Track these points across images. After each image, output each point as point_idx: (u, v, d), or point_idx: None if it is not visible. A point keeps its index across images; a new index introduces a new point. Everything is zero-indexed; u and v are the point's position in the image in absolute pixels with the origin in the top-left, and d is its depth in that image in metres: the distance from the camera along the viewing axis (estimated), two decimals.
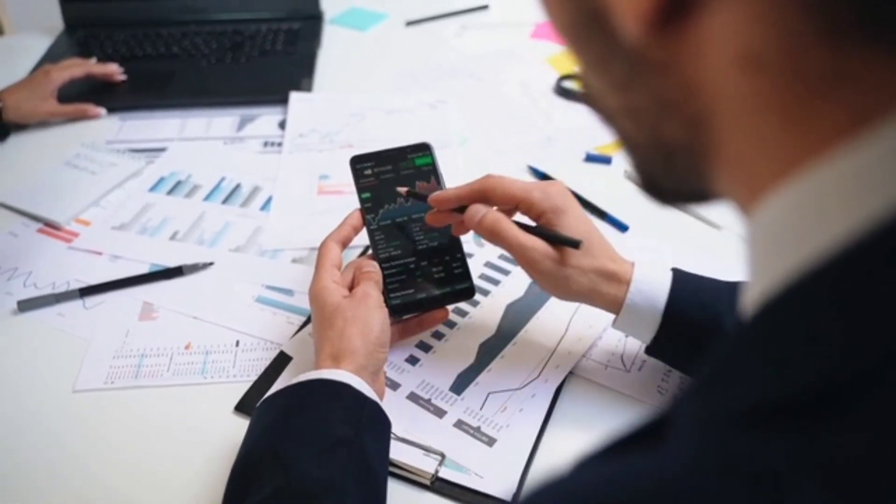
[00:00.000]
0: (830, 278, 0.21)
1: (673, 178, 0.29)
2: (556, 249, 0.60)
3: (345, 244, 0.68)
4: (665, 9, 0.22)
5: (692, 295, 0.59)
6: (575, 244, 0.59)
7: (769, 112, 0.22)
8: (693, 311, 0.59)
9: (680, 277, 0.60)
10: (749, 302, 0.25)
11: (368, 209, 0.70)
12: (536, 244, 0.59)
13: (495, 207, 0.63)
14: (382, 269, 0.67)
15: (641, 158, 0.30)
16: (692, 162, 0.27)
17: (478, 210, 0.62)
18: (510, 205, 0.63)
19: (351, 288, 0.65)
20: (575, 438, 0.62)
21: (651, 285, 0.59)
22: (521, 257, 0.60)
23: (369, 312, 0.61)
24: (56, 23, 1.27)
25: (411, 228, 0.69)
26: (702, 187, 0.28)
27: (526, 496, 0.25)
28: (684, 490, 0.20)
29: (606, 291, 0.60)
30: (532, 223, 0.62)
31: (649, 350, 0.63)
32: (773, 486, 0.19)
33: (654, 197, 0.32)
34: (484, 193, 0.62)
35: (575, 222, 0.61)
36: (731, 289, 0.60)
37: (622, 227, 0.84)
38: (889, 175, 0.20)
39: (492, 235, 0.61)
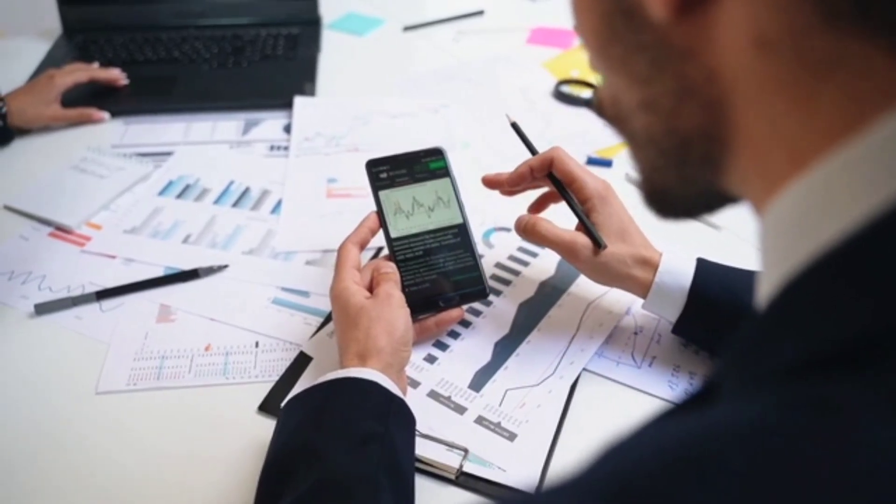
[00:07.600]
0: (867, 243, 0.22)
1: (684, 175, 0.30)
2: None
3: (363, 246, 0.70)
4: None
5: (715, 278, 0.65)
6: (599, 245, 0.66)
7: (779, 95, 0.24)
8: (715, 291, 0.65)
9: (704, 263, 0.66)
10: (768, 284, 0.26)
11: (384, 211, 0.71)
12: (577, 238, 0.67)
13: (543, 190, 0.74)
14: (398, 269, 0.69)
15: (654, 156, 0.31)
16: (709, 149, 0.28)
17: (519, 219, 0.70)
18: (567, 180, 0.69)
19: (369, 288, 0.66)
20: (592, 432, 0.64)
21: (677, 268, 0.66)
22: (562, 252, 0.68)
23: (393, 312, 0.63)
24: (53, 26, 1.27)
25: (426, 230, 0.71)
26: (714, 181, 0.29)
27: (592, 462, 0.24)
28: (770, 432, 0.21)
29: (638, 275, 0.66)
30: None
31: (676, 329, 0.68)
32: (856, 419, 0.20)
33: (657, 206, 0.33)
34: (548, 162, 0.70)
35: (615, 210, 0.68)
36: (751, 275, 0.65)
37: None
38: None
39: (533, 236, 0.69)
